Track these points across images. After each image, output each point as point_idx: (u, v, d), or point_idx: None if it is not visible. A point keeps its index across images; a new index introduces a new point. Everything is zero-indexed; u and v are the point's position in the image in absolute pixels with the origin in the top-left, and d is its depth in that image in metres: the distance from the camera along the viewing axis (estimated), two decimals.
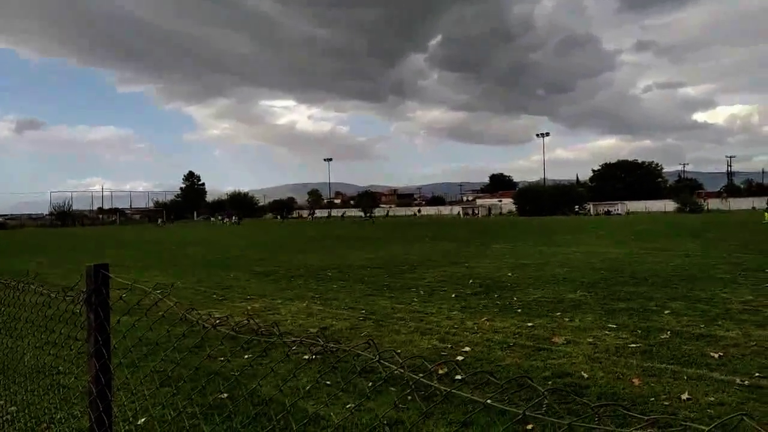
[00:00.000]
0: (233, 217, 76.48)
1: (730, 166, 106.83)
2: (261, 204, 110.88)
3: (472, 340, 6.39)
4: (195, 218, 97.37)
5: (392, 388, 4.65)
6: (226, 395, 4.61)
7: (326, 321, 7.69)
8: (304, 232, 37.95)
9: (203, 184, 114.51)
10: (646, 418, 0.84)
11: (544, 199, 74.86)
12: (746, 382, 4.64)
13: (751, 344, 5.82)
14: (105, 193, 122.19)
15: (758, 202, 70.75)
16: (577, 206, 74.66)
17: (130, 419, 3.76)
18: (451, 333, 6.78)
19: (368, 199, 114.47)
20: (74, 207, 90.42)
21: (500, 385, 1.12)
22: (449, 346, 6.18)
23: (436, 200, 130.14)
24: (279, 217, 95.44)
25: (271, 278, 12.58)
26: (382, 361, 1.19)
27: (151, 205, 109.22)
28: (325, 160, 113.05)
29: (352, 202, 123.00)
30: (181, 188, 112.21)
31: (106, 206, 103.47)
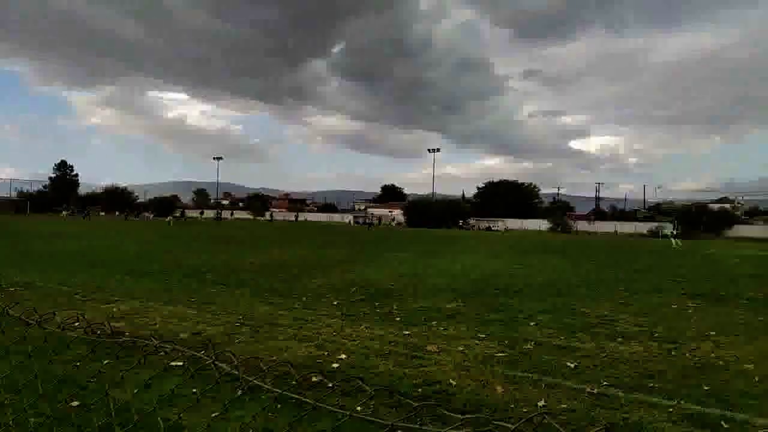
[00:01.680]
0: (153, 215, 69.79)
1: (598, 191, 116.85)
2: (140, 201, 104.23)
3: (350, 348, 6.40)
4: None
5: (262, 396, 4.52)
6: (77, 403, 4.23)
7: (200, 326, 7.35)
8: (201, 235, 36.21)
9: (77, 175, 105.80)
10: (461, 417, 0.87)
11: (432, 213, 77.36)
12: (595, 390, 5.04)
13: (602, 355, 6.34)
14: None
15: (620, 226, 78.00)
16: (461, 221, 77.88)
17: None
18: (329, 340, 6.75)
19: (258, 201, 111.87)
20: None
21: (332, 388, 1.11)
22: (325, 353, 6.14)
23: (329, 207, 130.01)
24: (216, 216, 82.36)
25: (145, 279, 11.84)
26: (217, 363, 1.14)
27: (14, 194, 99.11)
28: (214, 158, 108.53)
29: (241, 204, 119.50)
30: (50, 178, 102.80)
31: None
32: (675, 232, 40.12)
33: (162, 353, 1.48)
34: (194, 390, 4.70)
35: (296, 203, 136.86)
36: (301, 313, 8.47)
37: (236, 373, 1.07)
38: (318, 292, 10.53)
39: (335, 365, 5.67)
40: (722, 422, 4.34)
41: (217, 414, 4.22)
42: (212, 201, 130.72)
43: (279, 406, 4.30)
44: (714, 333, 7.72)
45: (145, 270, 13.34)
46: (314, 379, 4.93)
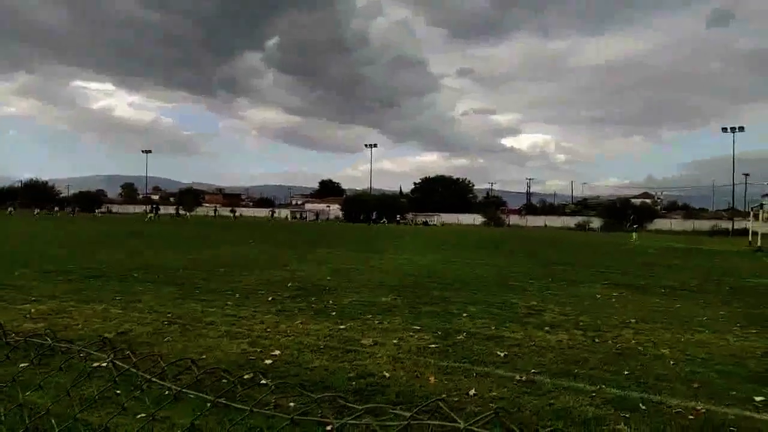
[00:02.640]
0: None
1: (529, 187, 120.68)
2: (63, 195, 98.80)
3: (284, 344, 6.31)
4: None
5: (191, 395, 4.38)
6: None
7: (125, 325, 7.03)
8: (122, 229, 34.65)
9: None
10: (360, 407, 0.86)
11: (370, 208, 77.60)
12: (523, 378, 5.20)
13: (530, 344, 6.56)
14: None
15: (549, 220, 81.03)
16: (398, 216, 78.53)
17: None
18: (263, 337, 6.63)
19: (190, 196, 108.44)
20: None
21: (232, 382, 1.09)
22: (259, 350, 6.02)
23: (265, 202, 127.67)
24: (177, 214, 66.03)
25: (65, 278, 11.21)
26: (114, 362, 1.08)
27: None
28: (143, 151, 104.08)
29: (171, 199, 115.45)
30: None
31: None
32: (634, 227, 41.63)
33: (59, 353, 1.38)
34: (118, 392, 4.50)
35: (231, 198, 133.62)
36: (233, 310, 8.27)
37: (134, 370, 1.02)
38: (251, 289, 10.32)
39: (268, 362, 5.57)
40: (641, 404, 4.58)
41: (143, 415, 4.06)
42: (141, 196, 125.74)
43: (209, 405, 4.19)
44: (634, 321, 8.14)
45: (64, 269, 12.64)
46: (246, 376, 4.81)
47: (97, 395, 1.77)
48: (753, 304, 10.19)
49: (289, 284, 11.04)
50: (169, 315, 7.72)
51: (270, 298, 9.30)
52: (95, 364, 4.92)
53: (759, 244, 30.46)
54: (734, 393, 4.93)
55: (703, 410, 4.47)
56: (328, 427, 3.97)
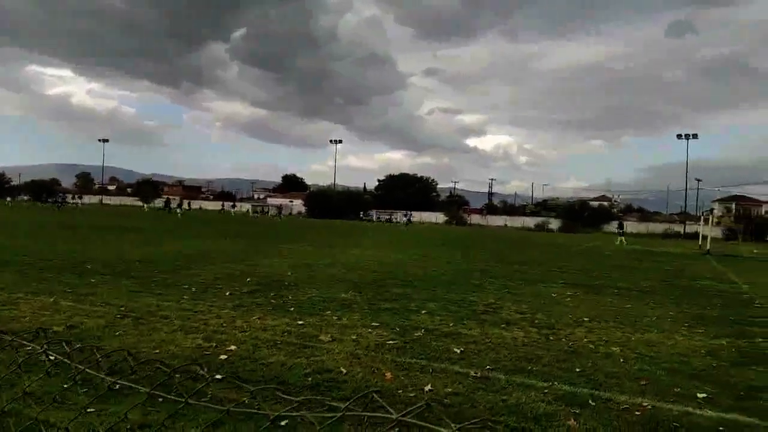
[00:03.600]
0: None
1: (491, 187, 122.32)
2: (15, 183, 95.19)
3: (240, 339, 6.22)
4: None
5: (142, 389, 4.28)
6: None
7: (75, 318, 6.81)
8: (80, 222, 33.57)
9: None
10: (295, 399, 0.86)
11: (333, 204, 77.32)
12: (478, 374, 5.27)
13: (486, 341, 6.65)
14: None
15: (510, 221, 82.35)
16: (362, 212, 78.50)
17: None
18: (218, 331, 6.53)
19: (148, 187, 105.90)
20: None
21: (167, 374, 1.08)
22: (214, 345, 5.92)
23: (226, 196, 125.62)
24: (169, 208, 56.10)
25: (14, 268, 10.80)
26: (48, 353, 1.04)
27: None
28: (100, 140, 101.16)
29: (129, 189, 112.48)
30: None
31: None
32: (621, 231, 42.02)
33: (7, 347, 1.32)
34: (65, 385, 4.36)
35: (191, 191, 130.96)
36: (189, 304, 8.12)
37: (67, 362, 0.99)
38: (208, 284, 10.15)
39: (223, 357, 5.49)
40: (590, 400, 4.70)
41: (92, 410, 3.95)
42: (97, 186, 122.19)
43: (161, 400, 4.10)
44: (587, 320, 8.34)
45: (12, 259, 12.18)
46: (201, 372, 4.73)
47: (27, 387, 1.70)
48: (701, 305, 10.58)
49: (248, 279, 10.91)
50: (123, 308, 7.52)
51: (228, 293, 9.17)
52: (42, 358, 4.76)
53: (708, 247, 31.63)
54: (679, 390, 5.11)
55: (649, 406, 4.62)
56: (283, 422, 3.94)
